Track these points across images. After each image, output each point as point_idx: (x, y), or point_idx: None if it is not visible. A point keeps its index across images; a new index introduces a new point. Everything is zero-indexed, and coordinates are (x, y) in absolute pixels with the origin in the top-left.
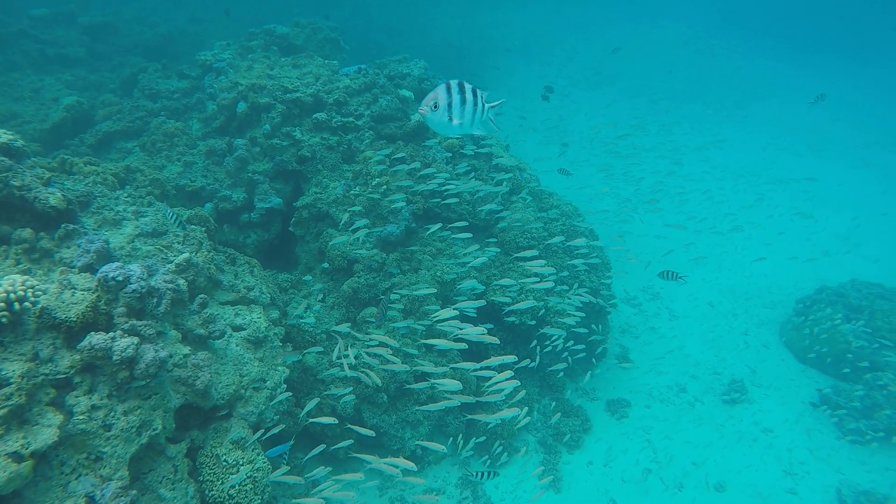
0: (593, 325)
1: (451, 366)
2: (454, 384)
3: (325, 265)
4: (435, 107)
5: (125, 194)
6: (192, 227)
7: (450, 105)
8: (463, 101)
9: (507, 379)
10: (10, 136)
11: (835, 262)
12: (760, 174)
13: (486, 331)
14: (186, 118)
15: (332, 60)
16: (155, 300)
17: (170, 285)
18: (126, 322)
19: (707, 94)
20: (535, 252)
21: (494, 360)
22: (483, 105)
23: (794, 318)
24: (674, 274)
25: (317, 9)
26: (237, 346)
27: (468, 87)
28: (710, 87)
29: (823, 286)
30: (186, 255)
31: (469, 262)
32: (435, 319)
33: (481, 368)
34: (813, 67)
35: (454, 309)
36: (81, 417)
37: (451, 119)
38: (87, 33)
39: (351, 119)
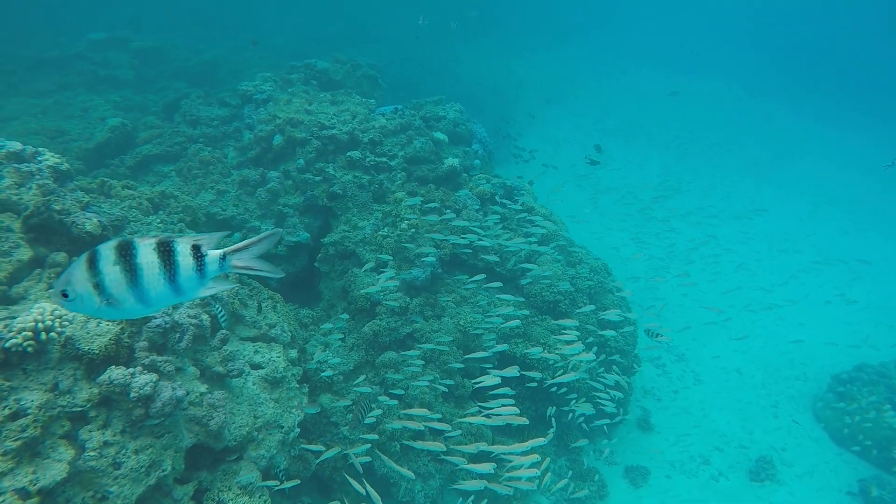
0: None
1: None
2: (485, 468)
3: (344, 316)
4: (68, 296)
5: (157, 220)
6: None
7: (99, 286)
8: (131, 273)
9: (531, 465)
10: (57, 160)
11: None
12: (802, 250)
13: (517, 411)
14: (223, 146)
15: (369, 99)
16: (177, 335)
17: (193, 320)
18: (147, 357)
19: (743, 151)
20: (572, 322)
21: (527, 444)
22: (196, 265)
23: (829, 396)
24: (657, 334)
25: (354, 44)
26: (254, 385)
27: (144, 247)
28: (745, 145)
29: (863, 363)
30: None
31: (495, 320)
32: (477, 385)
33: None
34: (851, 129)
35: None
36: (92, 454)
37: (112, 303)
38: (137, 57)
39: (384, 159)
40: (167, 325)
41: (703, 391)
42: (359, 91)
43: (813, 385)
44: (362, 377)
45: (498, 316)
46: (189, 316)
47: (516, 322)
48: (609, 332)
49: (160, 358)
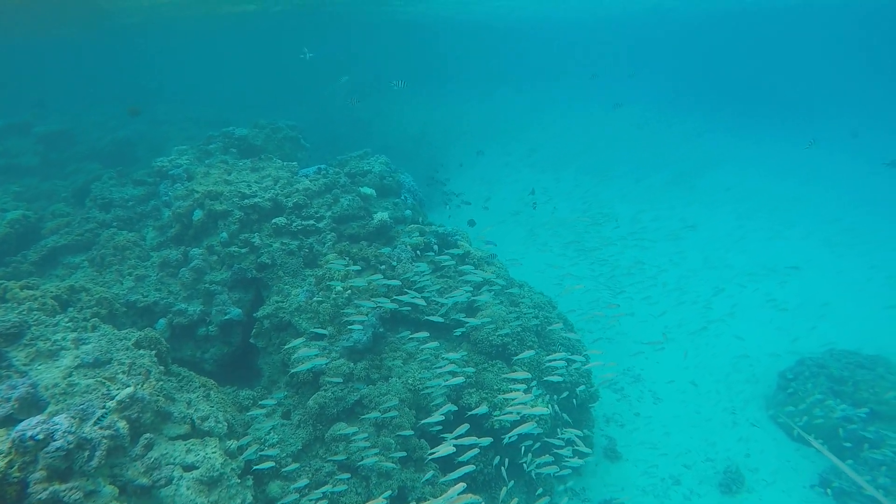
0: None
1: None
2: None
3: (280, 394)
4: None
5: (66, 319)
6: (141, 352)
7: None
8: None
9: None
10: None
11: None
12: (732, 264)
13: (463, 488)
14: (141, 227)
15: (291, 162)
16: (86, 453)
17: (106, 432)
18: (45, 489)
19: (668, 167)
20: (525, 375)
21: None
22: None
23: (779, 394)
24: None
25: (279, 107)
26: (188, 489)
27: None
28: (669, 161)
29: (803, 357)
30: (130, 389)
31: (442, 376)
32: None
33: None
34: (755, 140)
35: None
36: None
37: None
38: (42, 142)
39: (312, 222)
40: (70, 446)
41: (663, 409)
42: (281, 154)
43: (763, 385)
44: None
45: (445, 371)
46: (101, 428)
47: (460, 379)
48: (555, 378)
49: (64, 487)
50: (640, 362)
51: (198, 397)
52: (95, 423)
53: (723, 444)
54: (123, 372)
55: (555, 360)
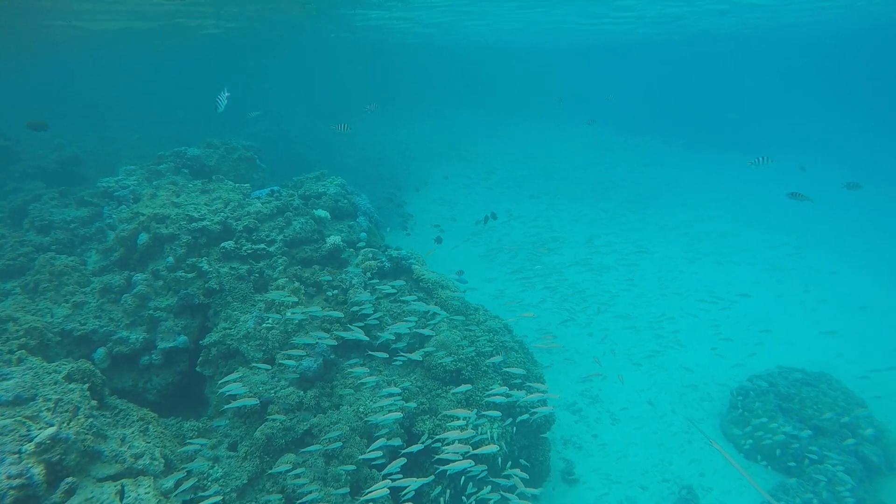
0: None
1: None
2: None
3: (221, 422)
4: None
5: None
6: (71, 385)
7: None
8: None
9: None
10: None
11: (759, 348)
12: (683, 293)
13: None
14: (84, 250)
15: (244, 184)
16: None
17: (15, 481)
18: None
19: (625, 185)
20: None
21: None
22: None
23: (732, 411)
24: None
25: (238, 127)
26: None
27: None
28: (627, 178)
29: (754, 375)
30: (53, 429)
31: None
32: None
33: None
34: (706, 163)
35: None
36: None
37: None
38: None
39: (262, 246)
40: None
41: (620, 430)
42: (236, 174)
43: (717, 403)
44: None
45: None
46: (8, 476)
47: (398, 415)
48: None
49: None
50: (598, 383)
51: (133, 433)
52: (2, 472)
53: (678, 463)
54: (48, 409)
55: (496, 394)
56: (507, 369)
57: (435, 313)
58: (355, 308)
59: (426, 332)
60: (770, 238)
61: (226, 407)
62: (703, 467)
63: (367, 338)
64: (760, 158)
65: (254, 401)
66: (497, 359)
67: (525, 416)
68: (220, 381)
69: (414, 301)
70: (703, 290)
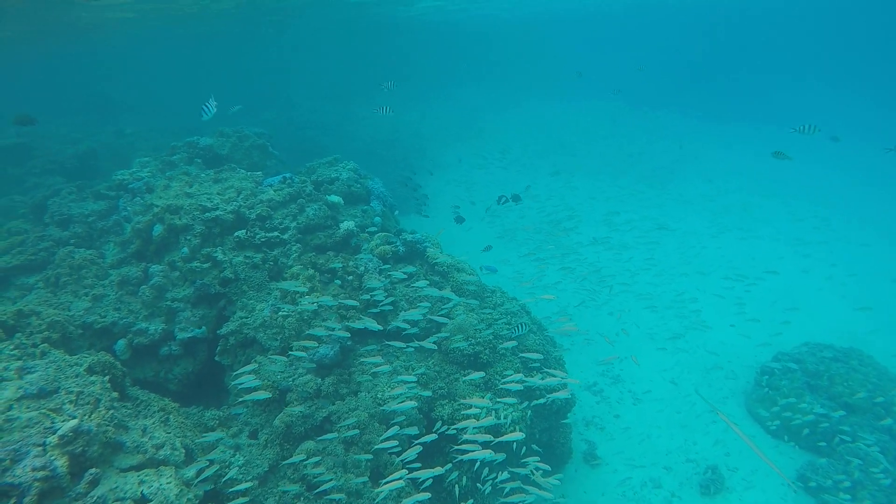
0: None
1: None
2: None
3: (239, 410)
4: None
5: (11, 346)
6: (92, 378)
7: None
8: None
9: None
10: None
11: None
12: (706, 271)
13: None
14: (103, 243)
15: (257, 172)
16: (13, 501)
17: (40, 473)
18: None
19: (643, 159)
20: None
21: None
22: None
23: (757, 390)
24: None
25: (248, 114)
26: None
27: None
28: (645, 152)
29: (780, 352)
30: (75, 421)
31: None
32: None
33: None
34: (726, 134)
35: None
36: None
37: None
38: None
39: (276, 234)
40: None
41: (642, 410)
42: (249, 163)
43: (742, 381)
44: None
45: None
46: (33, 469)
47: (413, 404)
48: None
49: None
50: (619, 363)
51: (154, 423)
52: (27, 465)
53: (703, 443)
54: (71, 402)
55: (512, 380)
56: (524, 354)
57: (450, 298)
58: (368, 295)
59: (439, 318)
60: (795, 210)
61: (239, 401)
62: (728, 447)
63: (379, 327)
64: (806, 126)
65: (266, 394)
66: (512, 343)
67: (542, 401)
68: (234, 374)
69: (427, 286)
70: (726, 267)
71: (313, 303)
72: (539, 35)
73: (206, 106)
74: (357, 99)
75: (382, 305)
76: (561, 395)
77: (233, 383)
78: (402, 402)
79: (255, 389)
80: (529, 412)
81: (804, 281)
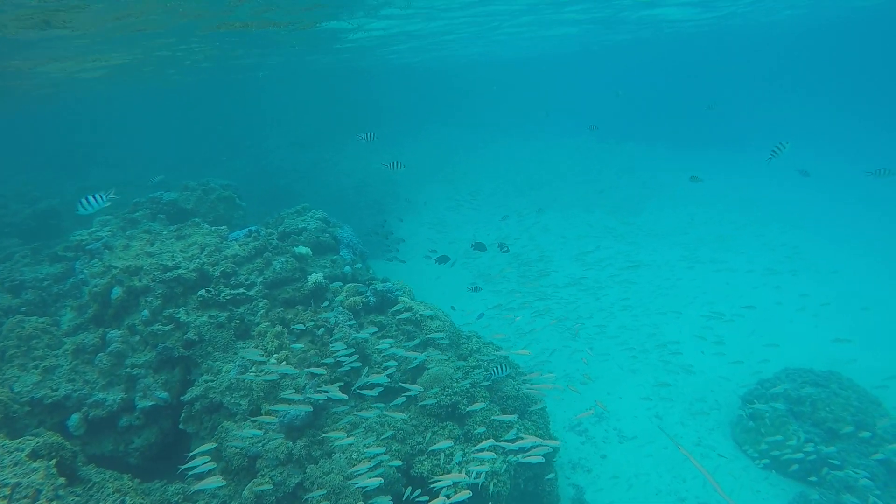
0: None
1: None
2: None
3: (214, 483)
4: None
5: None
6: (34, 464)
7: None
8: None
9: None
10: None
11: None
12: (683, 311)
13: None
14: (58, 308)
15: (220, 226)
16: None
17: None
18: None
19: (614, 192)
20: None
21: None
22: None
23: (743, 420)
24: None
25: (217, 165)
26: None
27: None
28: (618, 186)
29: (762, 379)
30: None
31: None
32: None
33: None
34: (693, 161)
35: None
36: None
37: None
38: None
39: (242, 290)
40: None
41: (629, 449)
42: (215, 215)
43: (727, 411)
44: None
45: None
46: None
47: (379, 481)
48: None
49: None
50: (602, 399)
51: None
52: None
53: (692, 479)
54: (4, 497)
55: (483, 448)
56: (496, 418)
57: (426, 344)
58: (339, 349)
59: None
60: (768, 238)
61: (193, 490)
62: (717, 480)
63: (343, 396)
64: (776, 148)
65: (219, 482)
66: (482, 405)
67: (519, 459)
68: (188, 454)
69: (391, 346)
70: (703, 304)
71: (273, 371)
72: (508, 76)
73: (88, 200)
74: (328, 145)
75: (350, 363)
76: (540, 455)
77: (181, 468)
78: (370, 478)
79: (209, 474)
80: (511, 471)
81: (779, 314)
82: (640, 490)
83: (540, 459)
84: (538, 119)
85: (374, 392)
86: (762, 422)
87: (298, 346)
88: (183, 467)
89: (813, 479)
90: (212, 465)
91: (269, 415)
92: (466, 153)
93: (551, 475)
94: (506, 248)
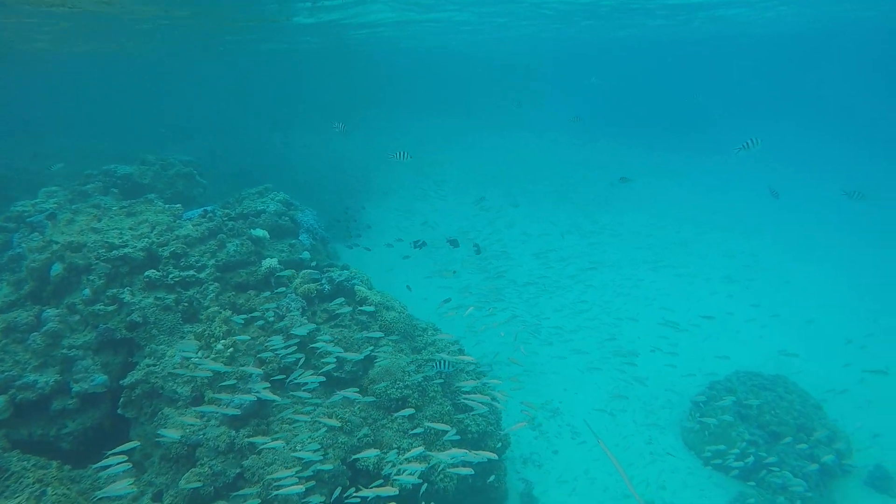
0: None
1: None
2: None
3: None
4: None
5: None
6: None
7: None
8: None
9: None
10: None
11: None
12: (640, 318)
13: None
14: None
15: (175, 204)
16: None
17: None
18: None
19: (586, 188)
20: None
21: None
22: None
23: (692, 421)
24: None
25: (188, 138)
26: None
27: None
28: (590, 179)
29: (714, 381)
30: None
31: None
32: None
33: None
34: (666, 164)
35: None
36: None
37: None
38: None
39: (192, 272)
40: None
41: (581, 445)
42: (173, 192)
43: (678, 410)
44: None
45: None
46: None
47: (301, 488)
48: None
49: None
50: (559, 395)
51: (26, 499)
52: None
53: (640, 477)
54: None
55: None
56: (429, 424)
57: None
58: (291, 336)
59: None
60: (728, 244)
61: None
62: (664, 479)
63: (276, 398)
64: (748, 143)
65: (132, 489)
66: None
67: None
68: (175, 410)
69: (328, 344)
70: (659, 310)
71: (206, 368)
72: (486, 69)
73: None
74: (302, 127)
75: (290, 354)
76: (483, 457)
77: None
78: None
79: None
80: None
81: (730, 324)
82: (588, 486)
83: (471, 471)
84: (512, 111)
85: (313, 382)
86: (709, 428)
87: (244, 337)
88: (94, 466)
89: (751, 483)
90: (126, 465)
91: (212, 403)
92: (438, 146)
93: (493, 477)
94: (478, 249)
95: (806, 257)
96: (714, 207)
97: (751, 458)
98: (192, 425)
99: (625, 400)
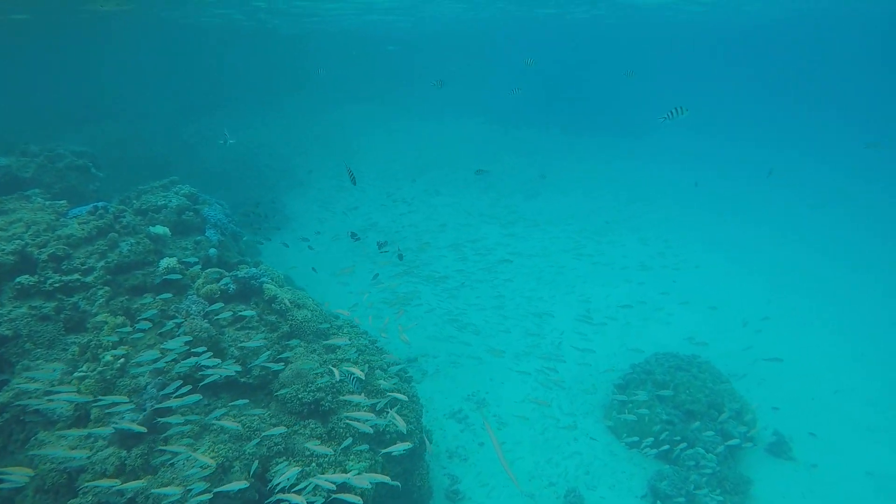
0: None
1: None
2: None
3: None
4: None
5: None
6: None
7: None
8: None
9: None
10: None
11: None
12: (556, 314)
13: None
14: None
15: (59, 201)
16: None
17: None
18: None
19: (511, 177)
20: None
21: None
22: None
23: (613, 403)
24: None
25: (87, 123)
26: None
27: None
28: (516, 168)
29: (634, 364)
30: None
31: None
32: None
33: None
34: (588, 149)
35: None
36: None
37: None
38: None
39: (76, 276)
40: None
41: (508, 434)
42: (63, 186)
43: (601, 395)
44: None
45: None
46: None
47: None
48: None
49: None
50: (485, 386)
51: None
52: None
53: (564, 464)
54: None
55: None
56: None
57: (290, 335)
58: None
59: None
60: (644, 231)
61: None
62: (587, 464)
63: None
64: (674, 111)
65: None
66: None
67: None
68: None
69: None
70: (578, 302)
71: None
72: (409, 55)
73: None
74: (216, 113)
75: (182, 366)
76: (404, 446)
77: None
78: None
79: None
80: (375, 463)
81: (641, 313)
82: (515, 475)
83: (368, 485)
84: (435, 95)
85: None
86: (629, 404)
87: (144, 342)
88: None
89: (666, 468)
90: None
91: (99, 423)
92: (364, 132)
93: (423, 466)
94: (357, 237)
95: (716, 244)
96: (633, 192)
97: (666, 437)
98: (73, 448)
99: (548, 389)
